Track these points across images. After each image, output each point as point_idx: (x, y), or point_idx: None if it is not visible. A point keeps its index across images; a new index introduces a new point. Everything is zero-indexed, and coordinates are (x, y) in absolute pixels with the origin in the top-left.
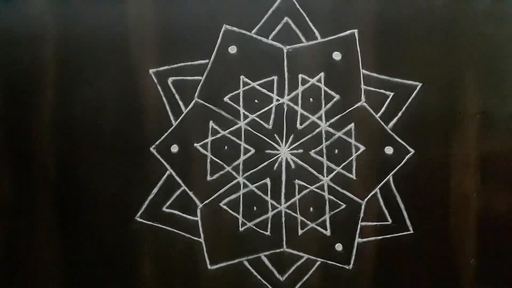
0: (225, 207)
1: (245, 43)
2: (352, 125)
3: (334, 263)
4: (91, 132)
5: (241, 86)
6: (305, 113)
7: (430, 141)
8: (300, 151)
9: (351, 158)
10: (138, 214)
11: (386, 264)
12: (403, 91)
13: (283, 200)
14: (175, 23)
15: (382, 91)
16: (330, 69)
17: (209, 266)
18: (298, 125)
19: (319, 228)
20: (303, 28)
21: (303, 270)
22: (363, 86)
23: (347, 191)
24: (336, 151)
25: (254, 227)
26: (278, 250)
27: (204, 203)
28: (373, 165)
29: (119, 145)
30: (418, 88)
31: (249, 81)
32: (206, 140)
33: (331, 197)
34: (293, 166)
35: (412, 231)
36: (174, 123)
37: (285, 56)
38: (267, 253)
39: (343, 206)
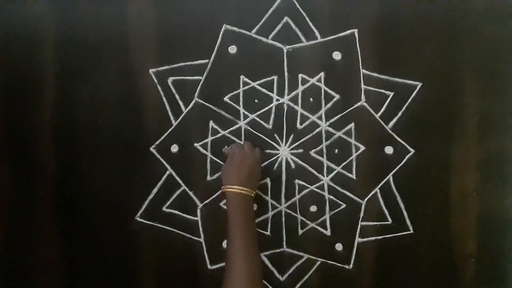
0: (225, 207)
1: (245, 43)
2: (352, 125)
3: (334, 263)
4: (91, 132)
5: (241, 86)
6: (305, 113)
7: (430, 141)
8: (300, 151)
9: (351, 158)
10: (138, 214)
11: (386, 264)
12: (403, 91)
13: (283, 200)
14: (175, 23)
15: (382, 91)
16: (330, 69)
17: (209, 266)
18: (298, 125)
19: (319, 228)
20: (303, 28)
21: (303, 270)
22: (363, 86)
23: (347, 191)
24: (336, 151)
25: None
26: (278, 250)
27: (204, 203)
28: (373, 165)
29: (119, 145)
30: (418, 88)
31: (249, 81)
32: (206, 140)
33: (331, 197)
34: (293, 166)
35: (412, 231)
36: (174, 123)
37: (285, 56)
38: (267, 253)
39: (343, 206)
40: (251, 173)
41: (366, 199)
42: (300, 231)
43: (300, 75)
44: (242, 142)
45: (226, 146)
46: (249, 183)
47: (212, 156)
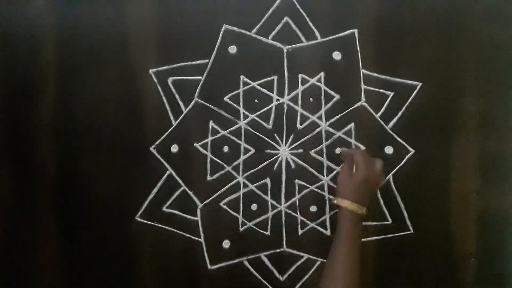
0: (225, 207)
1: (245, 43)
2: (352, 125)
3: None
4: (91, 132)
5: (241, 86)
6: (305, 113)
7: (430, 141)
8: (300, 151)
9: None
10: (138, 214)
11: (386, 264)
12: (403, 91)
13: (283, 200)
14: (175, 23)
15: (382, 91)
16: (330, 69)
17: (209, 266)
18: (298, 125)
19: (319, 228)
20: (303, 28)
21: (303, 270)
22: (363, 86)
23: None
24: (336, 151)
25: (254, 227)
26: (278, 250)
27: (204, 203)
28: None
29: (119, 145)
30: (418, 88)
31: (249, 81)
32: (206, 140)
33: (331, 197)
34: (293, 165)
35: (412, 231)
36: (174, 123)
37: (285, 56)
38: (267, 253)
39: None
40: (372, 192)
41: None
42: (300, 231)
43: (300, 75)
44: (241, 142)
45: (343, 148)
46: (366, 200)
47: (212, 156)
